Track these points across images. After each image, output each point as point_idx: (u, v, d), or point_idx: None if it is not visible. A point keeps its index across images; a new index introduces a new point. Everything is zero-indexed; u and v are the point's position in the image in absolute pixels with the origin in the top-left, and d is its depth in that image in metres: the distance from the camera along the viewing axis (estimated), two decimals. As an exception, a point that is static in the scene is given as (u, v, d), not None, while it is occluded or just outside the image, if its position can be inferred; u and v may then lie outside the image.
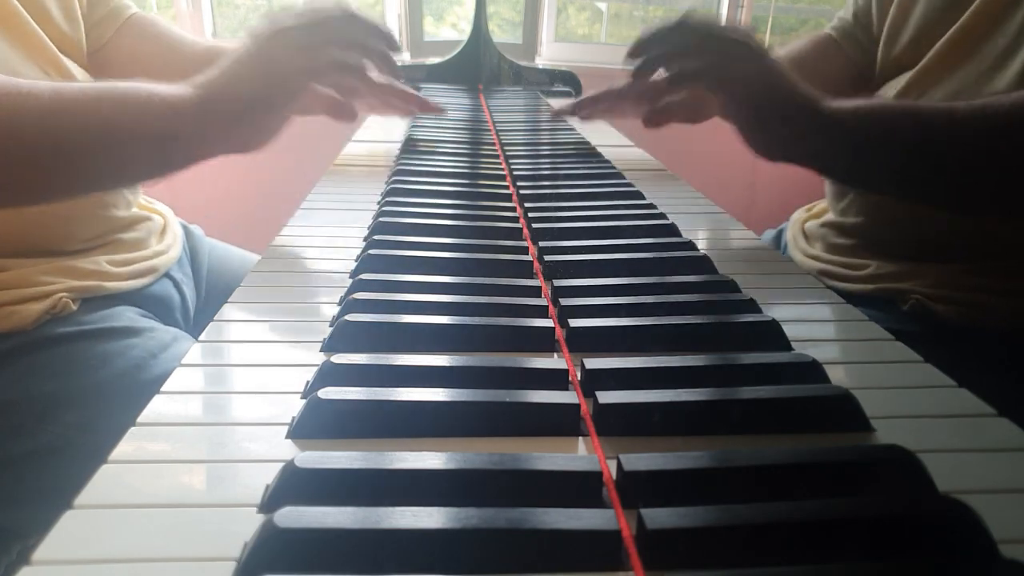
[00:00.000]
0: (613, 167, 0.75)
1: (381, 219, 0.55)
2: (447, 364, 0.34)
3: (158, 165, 0.56)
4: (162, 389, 0.33)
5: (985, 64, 0.66)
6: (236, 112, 0.55)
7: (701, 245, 0.52)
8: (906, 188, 0.61)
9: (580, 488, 0.26)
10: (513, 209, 0.60)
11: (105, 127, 0.51)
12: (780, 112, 0.58)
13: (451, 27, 2.16)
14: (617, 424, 0.31)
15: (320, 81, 0.59)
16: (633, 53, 0.65)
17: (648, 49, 0.64)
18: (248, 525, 0.24)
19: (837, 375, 0.35)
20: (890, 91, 0.74)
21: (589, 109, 0.84)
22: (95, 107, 0.51)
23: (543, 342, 0.38)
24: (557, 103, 1.16)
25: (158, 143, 0.53)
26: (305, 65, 0.57)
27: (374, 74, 0.67)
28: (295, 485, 0.25)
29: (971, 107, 0.55)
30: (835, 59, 0.85)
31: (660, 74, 0.66)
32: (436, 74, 1.29)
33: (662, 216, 0.58)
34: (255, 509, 0.25)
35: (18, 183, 0.50)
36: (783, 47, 0.90)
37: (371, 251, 0.48)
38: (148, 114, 0.52)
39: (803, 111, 0.58)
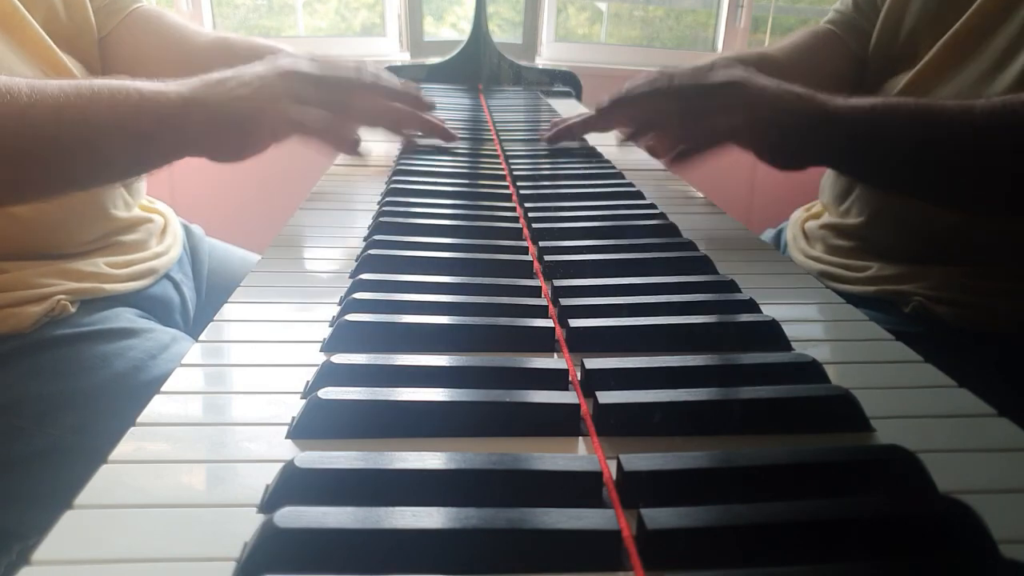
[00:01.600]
0: (613, 167, 0.75)
1: (381, 219, 0.55)
2: (447, 364, 0.34)
3: (135, 163, 0.57)
4: (162, 389, 0.33)
5: (986, 65, 0.66)
6: (215, 123, 0.55)
7: (701, 245, 0.52)
8: (925, 187, 0.61)
9: (580, 488, 0.26)
10: (513, 209, 0.60)
11: (82, 123, 0.51)
12: (795, 126, 0.58)
13: (451, 27, 2.16)
14: (617, 424, 0.31)
15: (307, 135, 0.59)
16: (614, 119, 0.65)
17: (626, 109, 0.64)
18: (248, 525, 0.24)
19: (837, 375, 0.35)
20: (889, 91, 0.74)
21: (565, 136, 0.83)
22: (72, 103, 0.50)
23: (543, 342, 0.38)
24: (557, 103, 1.16)
25: (135, 140, 0.53)
26: (295, 119, 0.57)
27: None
28: (295, 485, 0.25)
29: (990, 104, 0.55)
30: (837, 53, 0.84)
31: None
32: (436, 74, 1.29)
33: (662, 216, 0.58)
34: (255, 509, 0.25)
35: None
36: (780, 40, 0.90)
37: (371, 251, 0.48)
38: (127, 111, 0.52)
39: (815, 117, 0.58)
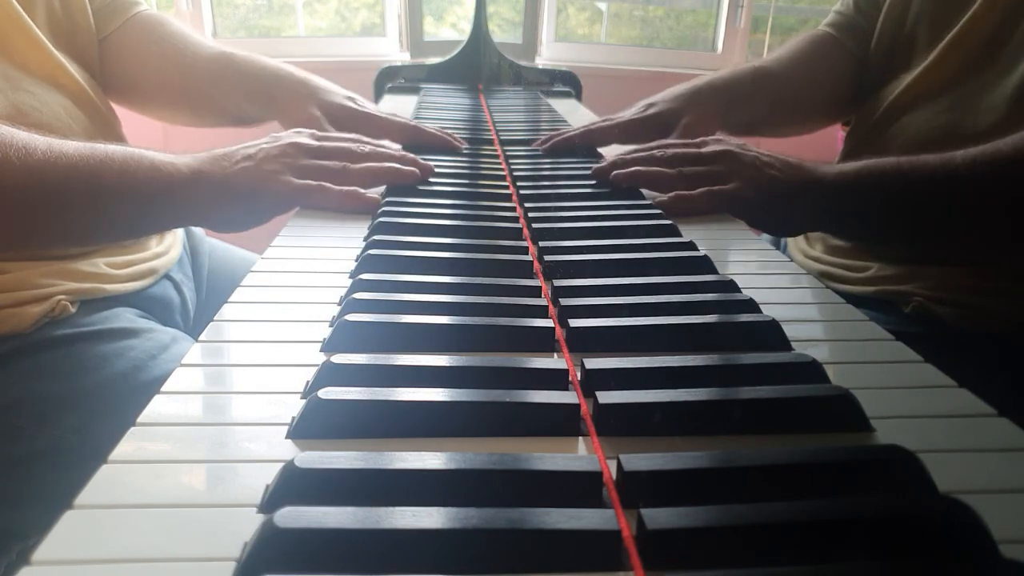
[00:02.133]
0: (613, 167, 0.75)
1: (381, 219, 0.55)
2: (447, 364, 0.34)
3: (138, 227, 0.60)
4: (162, 389, 0.32)
5: (988, 68, 0.66)
6: (221, 196, 0.57)
7: (701, 245, 0.52)
8: (917, 243, 0.64)
9: (580, 488, 0.26)
10: (513, 209, 0.60)
11: (93, 184, 0.52)
12: (785, 195, 0.60)
13: (451, 27, 2.16)
14: (617, 424, 0.31)
15: (310, 205, 0.60)
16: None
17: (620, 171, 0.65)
18: (248, 525, 0.24)
19: (837, 375, 0.35)
20: (889, 95, 0.74)
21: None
22: (86, 163, 0.52)
23: (543, 342, 0.38)
24: (557, 103, 1.16)
25: (141, 207, 0.55)
26: (297, 190, 0.58)
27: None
28: (295, 485, 0.25)
29: (969, 156, 0.56)
30: (836, 57, 0.84)
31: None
32: (436, 74, 1.29)
33: (662, 216, 0.58)
34: (255, 509, 0.25)
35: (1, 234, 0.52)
36: (778, 48, 0.90)
37: (371, 251, 0.48)
38: (137, 178, 0.54)
39: (804, 186, 0.60)
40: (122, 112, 0.78)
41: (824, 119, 0.91)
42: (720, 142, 0.64)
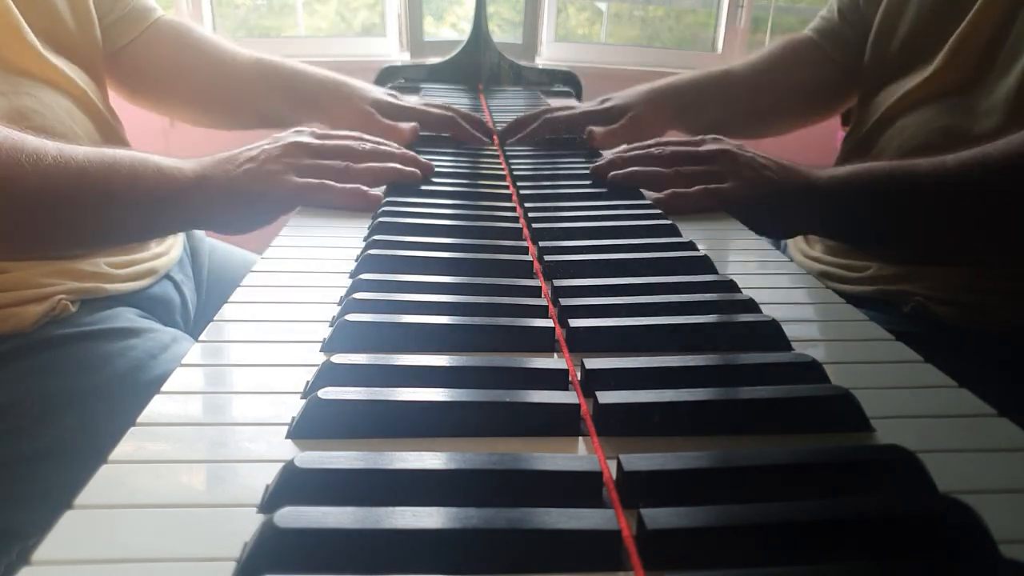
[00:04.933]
0: (613, 167, 0.75)
1: (381, 219, 0.55)
2: (447, 364, 0.34)
3: (145, 231, 0.62)
4: (162, 389, 0.33)
5: (985, 73, 0.65)
6: (225, 199, 0.58)
7: (701, 245, 0.52)
8: (908, 245, 0.64)
9: (580, 488, 0.26)
10: (513, 209, 0.60)
11: (101, 189, 0.53)
12: (779, 197, 0.60)
13: (451, 27, 2.16)
14: (617, 424, 0.31)
15: (313, 204, 0.61)
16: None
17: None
18: (248, 525, 0.24)
19: (837, 375, 0.35)
20: (886, 100, 0.74)
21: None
22: (96, 168, 0.53)
23: (543, 342, 0.38)
24: (557, 103, 1.16)
25: (148, 210, 0.56)
26: (300, 190, 0.59)
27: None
28: (295, 485, 0.25)
29: (960, 160, 0.57)
30: (814, 62, 0.85)
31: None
32: (436, 74, 1.29)
33: (662, 216, 0.58)
34: (255, 509, 0.25)
35: (10, 238, 0.53)
36: (757, 51, 0.91)
37: (371, 251, 0.48)
38: (145, 186, 0.55)
39: (798, 190, 0.60)
40: (124, 114, 0.78)
41: (798, 121, 0.93)
42: (718, 141, 0.65)
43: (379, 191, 0.61)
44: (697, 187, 0.61)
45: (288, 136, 0.63)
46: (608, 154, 0.69)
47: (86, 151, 0.53)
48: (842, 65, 0.83)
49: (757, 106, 0.89)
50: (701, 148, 0.64)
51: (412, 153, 0.67)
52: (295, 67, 0.85)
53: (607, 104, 0.85)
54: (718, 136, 0.66)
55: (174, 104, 0.86)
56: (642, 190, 0.64)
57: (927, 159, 0.58)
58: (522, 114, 0.87)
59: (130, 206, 0.55)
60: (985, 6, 0.65)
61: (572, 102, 1.11)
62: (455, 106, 0.86)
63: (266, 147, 0.60)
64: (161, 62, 0.80)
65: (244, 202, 0.58)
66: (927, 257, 0.66)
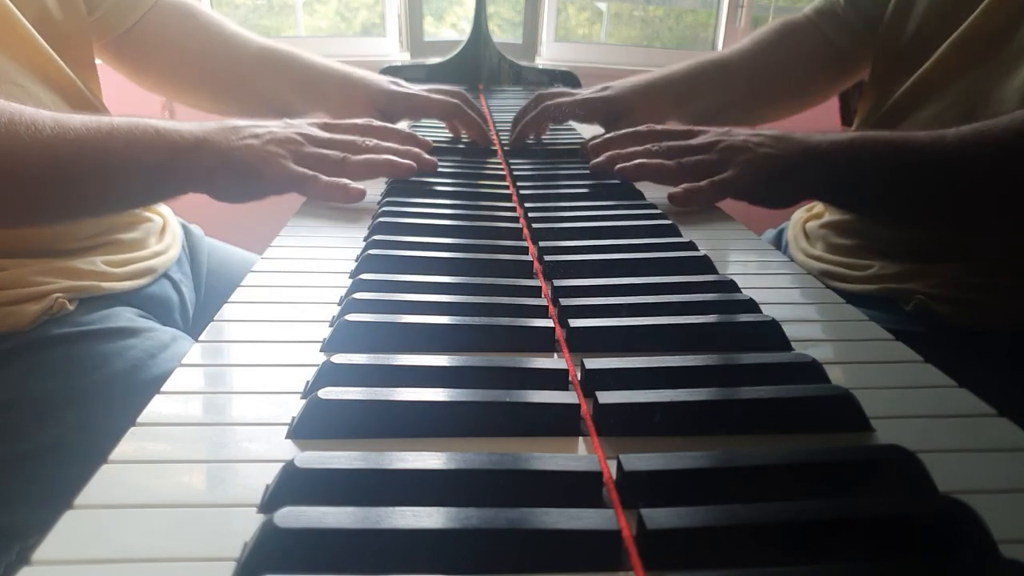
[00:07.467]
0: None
1: (381, 219, 0.55)
2: (447, 364, 0.34)
3: (146, 195, 0.62)
4: (162, 389, 0.33)
5: (995, 66, 0.65)
6: (221, 166, 0.58)
7: (701, 245, 0.52)
8: (906, 214, 0.64)
9: (580, 488, 0.26)
10: (513, 209, 0.60)
11: (101, 156, 0.53)
12: (780, 167, 0.61)
13: (451, 27, 2.16)
14: (617, 424, 0.31)
15: (305, 193, 0.61)
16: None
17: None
18: (248, 525, 0.24)
19: (837, 375, 0.35)
20: (896, 92, 0.74)
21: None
22: (93, 135, 0.53)
23: (543, 342, 0.38)
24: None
25: (147, 173, 0.56)
26: (295, 176, 0.59)
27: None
28: (295, 485, 0.25)
29: (960, 134, 0.57)
30: (808, 42, 0.85)
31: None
32: (436, 74, 1.29)
33: (662, 216, 0.58)
34: (255, 509, 0.25)
35: (12, 209, 0.53)
36: (748, 36, 0.91)
37: (371, 251, 0.48)
38: (142, 145, 0.55)
39: (797, 156, 0.61)
40: (118, 109, 0.77)
41: (793, 105, 0.93)
42: (707, 132, 0.66)
43: (362, 186, 0.61)
44: (707, 180, 0.61)
45: (299, 124, 0.63)
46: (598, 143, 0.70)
47: (83, 119, 0.53)
48: (840, 49, 0.83)
49: (754, 92, 0.89)
50: (694, 140, 0.65)
51: (416, 149, 0.67)
52: (302, 56, 0.85)
53: (606, 93, 0.85)
54: (704, 128, 0.67)
55: (182, 88, 0.86)
56: (648, 188, 0.65)
57: (928, 132, 0.59)
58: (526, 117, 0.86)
59: (129, 170, 0.55)
60: (989, 6, 0.65)
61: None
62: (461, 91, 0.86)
63: (274, 128, 0.61)
64: (169, 44, 0.80)
65: (236, 174, 0.58)
66: (927, 225, 0.66)
